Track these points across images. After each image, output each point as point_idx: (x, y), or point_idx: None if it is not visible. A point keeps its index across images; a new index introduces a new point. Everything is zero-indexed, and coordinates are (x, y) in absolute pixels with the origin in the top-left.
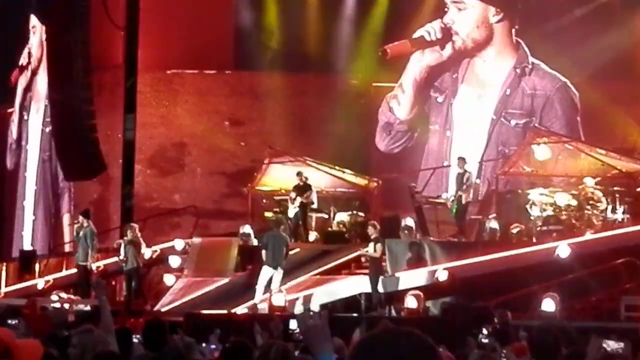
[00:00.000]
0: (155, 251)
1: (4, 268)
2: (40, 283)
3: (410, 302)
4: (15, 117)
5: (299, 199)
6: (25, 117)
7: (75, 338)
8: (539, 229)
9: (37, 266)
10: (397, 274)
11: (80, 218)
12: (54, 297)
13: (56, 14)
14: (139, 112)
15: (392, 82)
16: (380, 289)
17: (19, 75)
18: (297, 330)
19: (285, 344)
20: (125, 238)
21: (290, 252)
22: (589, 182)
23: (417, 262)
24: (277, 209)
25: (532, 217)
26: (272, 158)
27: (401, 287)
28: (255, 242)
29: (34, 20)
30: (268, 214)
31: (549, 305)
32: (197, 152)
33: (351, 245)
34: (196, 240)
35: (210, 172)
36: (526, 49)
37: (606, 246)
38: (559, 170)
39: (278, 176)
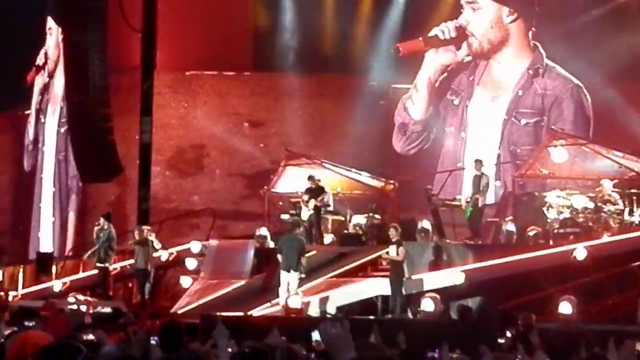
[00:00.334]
0: (172, 253)
1: (21, 270)
2: (57, 285)
3: (427, 305)
4: (32, 119)
5: (312, 202)
6: (42, 119)
7: None
8: (555, 231)
9: (54, 268)
10: (413, 277)
11: (102, 220)
12: (71, 299)
13: (72, 16)
14: (158, 113)
15: (411, 84)
16: (397, 291)
17: (35, 76)
18: (320, 341)
19: (291, 346)
20: (132, 240)
21: (307, 255)
22: (606, 184)
23: (433, 264)
24: (294, 211)
25: (548, 220)
26: (289, 160)
27: (418, 289)
28: (271, 244)
29: (50, 22)
30: (284, 216)
31: (566, 308)
32: (216, 154)
33: (368, 247)
34: (213, 242)
35: (229, 173)
36: (542, 51)
37: (623, 249)
38: (576, 172)
39: (294, 178)
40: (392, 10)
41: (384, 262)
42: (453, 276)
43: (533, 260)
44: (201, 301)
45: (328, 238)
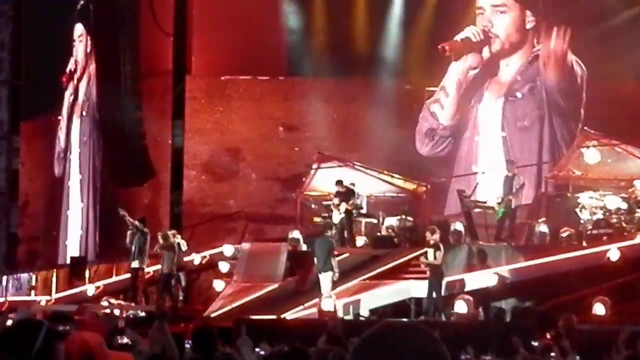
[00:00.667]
0: (205, 257)
1: (54, 274)
2: (90, 289)
3: (460, 307)
4: (62, 125)
5: (344, 205)
6: (72, 125)
7: None
8: (588, 232)
9: (87, 272)
10: (446, 279)
11: (137, 224)
12: (104, 303)
13: (104, 20)
14: (193, 118)
15: None
16: (435, 294)
17: (68, 82)
18: None
19: (342, 350)
20: (157, 245)
21: (339, 257)
22: (639, 185)
23: (466, 266)
24: (326, 214)
25: (582, 221)
26: (321, 163)
27: (450, 291)
28: (304, 247)
29: (79, 29)
30: (317, 219)
31: (599, 309)
32: (251, 158)
33: (400, 249)
34: (245, 245)
35: (265, 177)
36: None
37: None
38: (609, 173)
39: (326, 181)
40: (423, 13)
41: (422, 265)
42: (486, 278)
43: (566, 261)
44: (234, 304)
45: (360, 241)
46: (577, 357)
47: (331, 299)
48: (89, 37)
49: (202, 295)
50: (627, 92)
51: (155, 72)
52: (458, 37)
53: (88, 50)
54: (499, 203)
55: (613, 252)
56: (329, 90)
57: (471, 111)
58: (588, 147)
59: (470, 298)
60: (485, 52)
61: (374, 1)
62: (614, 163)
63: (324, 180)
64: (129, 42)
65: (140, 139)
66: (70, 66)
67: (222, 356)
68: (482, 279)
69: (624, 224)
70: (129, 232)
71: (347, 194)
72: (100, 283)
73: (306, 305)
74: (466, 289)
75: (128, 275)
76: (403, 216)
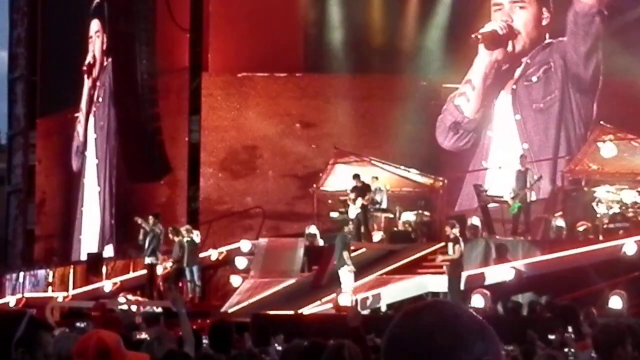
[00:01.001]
0: (222, 252)
1: (71, 271)
2: (107, 285)
3: (477, 301)
4: (81, 120)
5: (360, 200)
6: (89, 120)
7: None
8: (605, 226)
9: (104, 268)
10: (463, 273)
11: (151, 220)
12: (121, 299)
13: (120, 16)
14: (210, 115)
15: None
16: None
17: (88, 74)
18: None
19: (355, 345)
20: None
21: (356, 253)
22: None
23: (483, 261)
24: (342, 209)
25: (598, 215)
26: (338, 158)
27: (467, 285)
28: (320, 242)
29: (96, 25)
30: (333, 214)
31: (616, 303)
32: (269, 155)
33: (417, 244)
34: (262, 241)
35: (282, 174)
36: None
37: None
38: (625, 167)
39: (343, 176)
40: (440, 8)
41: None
42: (503, 272)
43: (583, 255)
44: (251, 300)
45: (377, 235)
46: (592, 352)
47: (347, 294)
48: (105, 34)
49: (219, 291)
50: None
51: (170, 69)
52: (485, 30)
53: (104, 47)
54: (513, 197)
55: (629, 246)
56: (345, 87)
57: (491, 106)
58: (604, 141)
59: (487, 292)
60: (509, 47)
61: None
62: (631, 157)
63: (340, 175)
64: (146, 38)
65: (156, 135)
66: (89, 59)
67: (244, 352)
68: (499, 273)
69: None
70: (141, 230)
71: (363, 188)
72: (117, 279)
73: (323, 300)
74: (483, 284)
75: (145, 271)
76: (420, 211)
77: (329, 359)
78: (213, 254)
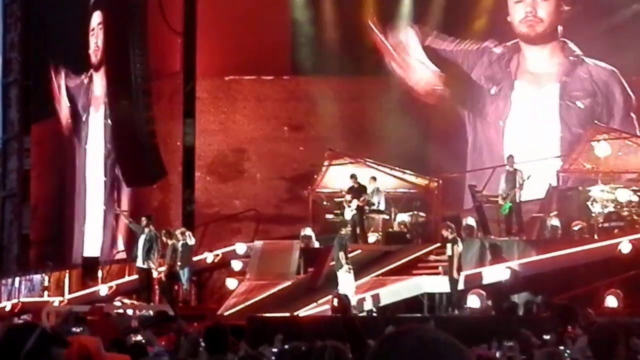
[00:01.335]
0: (217, 255)
1: (67, 275)
2: (103, 289)
3: (473, 301)
4: (84, 117)
5: (355, 202)
6: (84, 119)
7: None
8: (600, 225)
9: (99, 272)
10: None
11: (144, 221)
12: (117, 303)
13: (114, 17)
14: (198, 119)
15: (449, 86)
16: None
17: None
18: None
19: (338, 344)
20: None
21: (352, 254)
22: None
23: (478, 261)
24: (338, 211)
25: (593, 214)
26: (332, 160)
27: (463, 286)
28: (316, 244)
29: (97, 17)
30: (329, 216)
31: (612, 301)
32: (257, 158)
33: (413, 245)
34: (258, 243)
35: (270, 177)
36: (573, 46)
37: None
38: (620, 166)
39: (338, 178)
40: (433, 8)
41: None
42: (499, 272)
43: (578, 254)
44: (248, 302)
45: (373, 237)
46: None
47: (349, 294)
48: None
49: (215, 294)
50: (633, 85)
51: (162, 73)
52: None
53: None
54: (504, 198)
55: (625, 245)
56: (333, 89)
57: (494, 98)
58: (598, 140)
59: (483, 292)
60: (526, 38)
61: None
62: (625, 156)
63: (335, 177)
64: (139, 41)
65: (150, 138)
66: (93, 48)
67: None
68: (494, 273)
69: (635, 217)
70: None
71: (359, 189)
72: (113, 283)
73: (319, 302)
74: (479, 284)
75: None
76: (415, 212)
77: None
78: (209, 257)
